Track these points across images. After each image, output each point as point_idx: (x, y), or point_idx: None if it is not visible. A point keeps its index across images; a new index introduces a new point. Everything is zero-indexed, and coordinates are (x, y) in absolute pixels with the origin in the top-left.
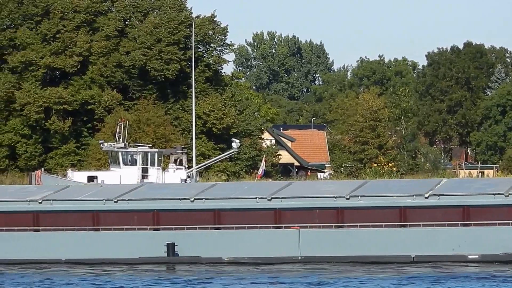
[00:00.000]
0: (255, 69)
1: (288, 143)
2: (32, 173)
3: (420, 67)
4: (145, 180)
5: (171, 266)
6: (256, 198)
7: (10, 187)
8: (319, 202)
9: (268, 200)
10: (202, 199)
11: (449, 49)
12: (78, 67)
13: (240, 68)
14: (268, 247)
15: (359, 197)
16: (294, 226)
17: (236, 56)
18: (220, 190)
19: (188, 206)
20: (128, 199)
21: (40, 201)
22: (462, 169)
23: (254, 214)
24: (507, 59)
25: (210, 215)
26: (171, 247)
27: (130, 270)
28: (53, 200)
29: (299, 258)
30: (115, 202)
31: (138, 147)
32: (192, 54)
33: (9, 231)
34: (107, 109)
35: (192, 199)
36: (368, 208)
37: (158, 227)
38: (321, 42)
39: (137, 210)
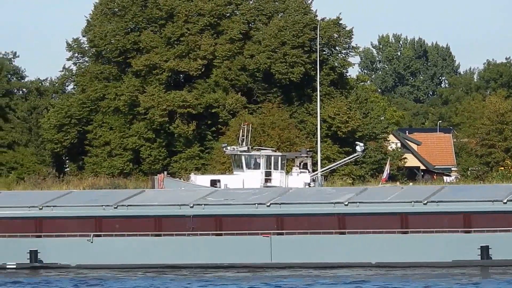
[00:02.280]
0: (380, 72)
1: (414, 146)
2: (155, 177)
3: None
4: (268, 184)
5: (485, 269)
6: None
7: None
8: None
9: None
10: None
11: None
12: (202, 71)
13: (365, 71)
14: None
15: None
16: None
17: (361, 59)
18: None
19: (501, 208)
20: None
21: (346, 203)
22: None
23: None
24: None
25: None
26: (485, 250)
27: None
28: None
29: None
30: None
31: (262, 151)
32: (317, 57)
33: (314, 235)
34: (231, 112)
35: (505, 201)
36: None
37: (470, 229)
38: (447, 45)
39: (446, 212)
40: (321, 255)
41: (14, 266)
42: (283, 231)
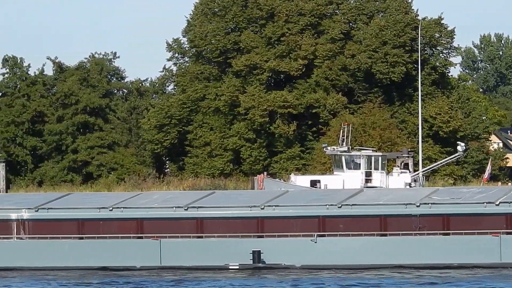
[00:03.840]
0: (482, 72)
1: None
2: (255, 177)
3: None
4: (368, 184)
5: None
6: None
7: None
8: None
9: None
10: None
11: None
12: (303, 71)
13: (467, 71)
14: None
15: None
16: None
17: (462, 59)
18: None
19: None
20: None
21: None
22: None
23: None
24: None
25: None
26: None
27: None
28: None
29: None
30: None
31: (362, 151)
32: (418, 56)
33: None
34: (332, 112)
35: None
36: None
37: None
38: None
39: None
40: None
41: (237, 267)
42: None
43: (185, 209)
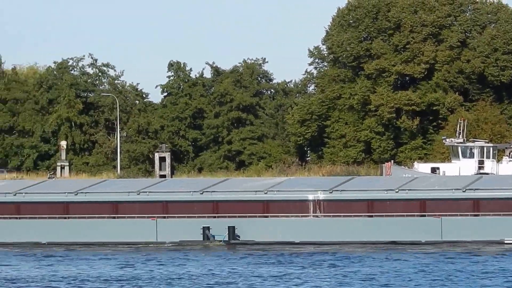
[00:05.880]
0: None
1: None
2: (383, 165)
3: None
4: (481, 171)
5: None
6: None
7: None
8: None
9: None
10: None
11: None
12: (425, 74)
13: None
14: None
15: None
16: None
17: None
18: None
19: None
20: None
21: None
22: None
23: None
24: None
25: None
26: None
27: None
28: None
29: None
30: None
31: (475, 142)
32: None
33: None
34: (450, 109)
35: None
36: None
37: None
38: None
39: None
40: None
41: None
42: None
43: (463, 191)
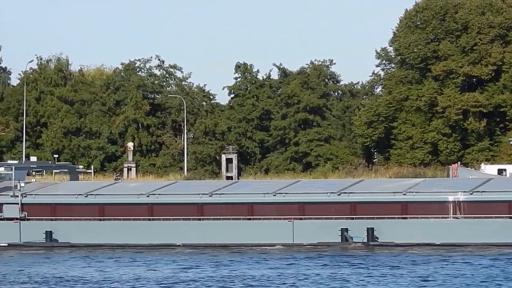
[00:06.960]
0: None
1: None
2: (450, 166)
3: None
4: None
5: None
6: None
7: None
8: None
9: None
10: None
11: None
12: (492, 75)
13: None
14: None
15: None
16: None
17: None
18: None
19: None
20: None
21: None
22: None
23: None
24: None
25: None
26: None
27: None
28: None
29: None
30: None
31: None
32: None
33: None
34: None
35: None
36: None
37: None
38: None
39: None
40: None
41: None
42: None
43: None
